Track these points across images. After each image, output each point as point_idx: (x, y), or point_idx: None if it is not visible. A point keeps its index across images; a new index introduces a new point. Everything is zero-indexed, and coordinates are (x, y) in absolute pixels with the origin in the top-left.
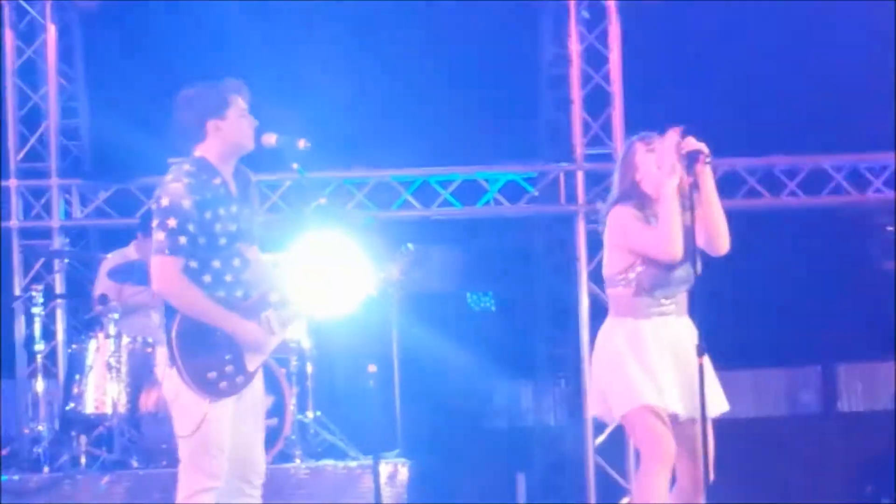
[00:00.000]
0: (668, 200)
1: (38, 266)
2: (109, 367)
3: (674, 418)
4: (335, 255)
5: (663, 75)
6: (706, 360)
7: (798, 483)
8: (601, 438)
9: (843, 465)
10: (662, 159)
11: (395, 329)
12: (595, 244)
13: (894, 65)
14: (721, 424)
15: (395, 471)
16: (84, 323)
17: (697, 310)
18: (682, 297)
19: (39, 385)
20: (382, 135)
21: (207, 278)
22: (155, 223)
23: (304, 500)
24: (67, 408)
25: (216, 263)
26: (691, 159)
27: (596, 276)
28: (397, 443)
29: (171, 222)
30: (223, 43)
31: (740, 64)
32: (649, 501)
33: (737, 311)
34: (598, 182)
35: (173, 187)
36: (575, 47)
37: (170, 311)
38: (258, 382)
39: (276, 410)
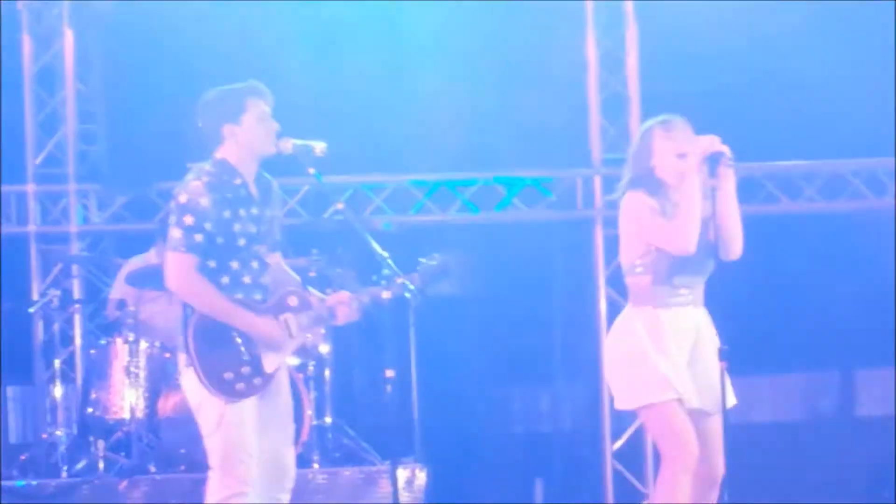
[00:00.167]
0: (692, 196)
1: (56, 271)
2: (128, 372)
3: (691, 412)
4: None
5: (681, 79)
6: (710, 354)
7: (816, 488)
8: (619, 443)
9: (860, 470)
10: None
11: (413, 334)
12: (612, 249)
13: None
14: (739, 429)
15: (412, 476)
16: (102, 328)
17: (716, 315)
18: (700, 288)
19: (58, 390)
20: (400, 139)
21: (225, 279)
22: (172, 220)
23: None
24: (86, 413)
25: (234, 265)
26: (714, 161)
27: (613, 281)
28: (415, 448)
29: (188, 219)
30: (242, 47)
31: (759, 68)
32: None
33: (755, 316)
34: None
35: (193, 185)
36: (592, 51)
37: (186, 313)
38: (284, 386)
39: (294, 415)
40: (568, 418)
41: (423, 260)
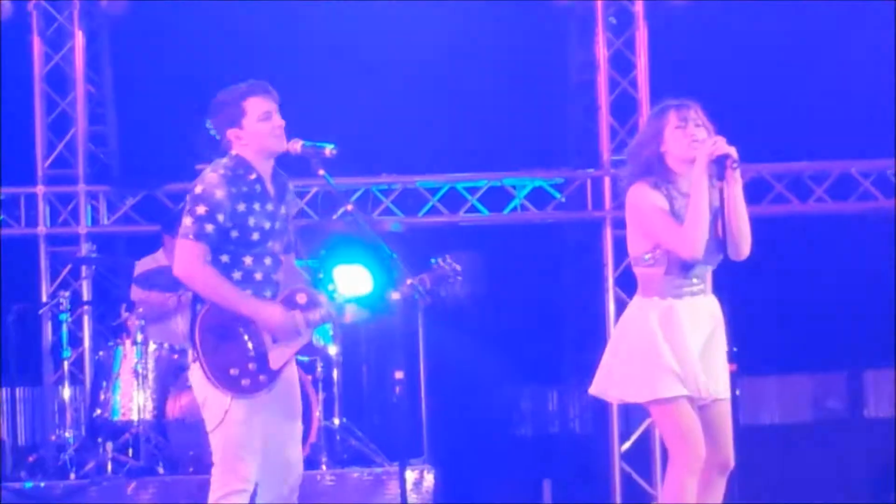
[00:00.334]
0: (699, 203)
1: (65, 272)
2: (136, 373)
3: (701, 404)
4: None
5: (690, 80)
6: (722, 340)
7: (824, 488)
8: (627, 445)
9: (869, 471)
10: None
11: (422, 335)
12: (621, 250)
13: None
14: (747, 430)
15: (420, 477)
16: (111, 329)
17: (724, 316)
18: (709, 276)
19: (66, 392)
20: (409, 141)
21: (237, 275)
22: (185, 209)
23: None
24: (94, 414)
25: (247, 260)
26: (720, 163)
27: (622, 282)
28: (423, 449)
29: (201, 209)
30: (251, 47)
31: (768, 69)
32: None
33: (763, 317)
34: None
35: (209, 177)
36: (602, 53)
37: (195, 309)
38: (294, 386)
39: (302, 416)
40: (576, 420)
41: (434, 261)
